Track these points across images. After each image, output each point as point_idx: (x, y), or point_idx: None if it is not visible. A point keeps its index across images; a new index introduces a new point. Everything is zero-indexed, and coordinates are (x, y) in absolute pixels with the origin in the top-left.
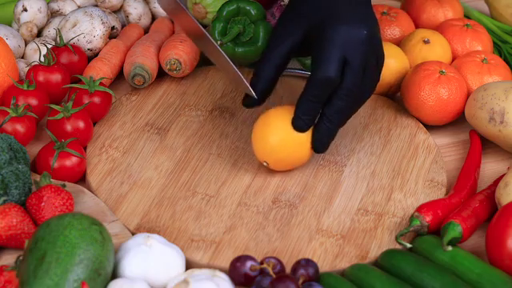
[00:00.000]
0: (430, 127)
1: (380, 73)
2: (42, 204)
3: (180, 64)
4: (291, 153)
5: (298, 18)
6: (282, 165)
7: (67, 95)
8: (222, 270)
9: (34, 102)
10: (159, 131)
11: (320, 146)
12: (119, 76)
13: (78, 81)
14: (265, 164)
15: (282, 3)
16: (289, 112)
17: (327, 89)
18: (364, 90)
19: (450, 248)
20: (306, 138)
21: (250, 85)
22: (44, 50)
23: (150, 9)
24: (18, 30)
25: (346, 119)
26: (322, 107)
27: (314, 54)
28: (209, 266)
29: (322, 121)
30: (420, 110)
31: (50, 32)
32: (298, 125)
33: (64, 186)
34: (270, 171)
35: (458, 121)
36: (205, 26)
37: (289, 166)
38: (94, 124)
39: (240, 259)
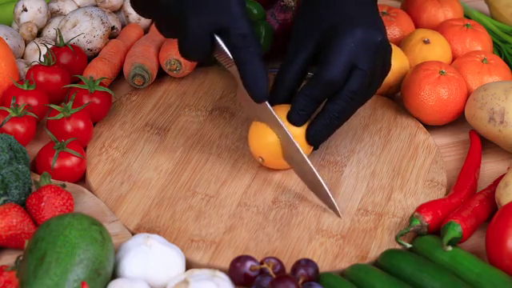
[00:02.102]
0: (430, 127)
1: (384, 79)
2: (42, 204)
3: (180, 64)
4: None
5: (312, 23)
6: (278, 162)
7: (67, 95)
8: (222, 270)
9: (33, 102)
10: (159, 131)
11: (314, 138)
12: (119, 76)
13: (78, 81)
14: (260, 160)
15: (282, 3)
16: (285, 109)
17: (328, 90)
18: (366, 94)
19: (449, 248)
20: (301, 134)
21: (271, 93)
22: (44, 50)
23: None
24: (18, 30)
25: (344, 120)
26: (318, 105)
27: (324, 54)
28: (209, 266)
29: (323, 116)
30: (420, 110)
31: (50, 32)
32: (293, 118)
33: (64, 186)
34: (270, 171)
35: (458, 121)
36: None
37: (285, 163)
38: (94, 124)
39: (240, 259)
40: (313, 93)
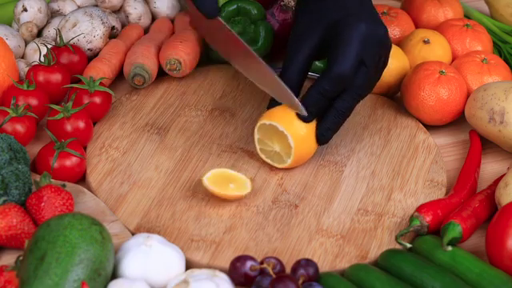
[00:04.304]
0: (430, 127)
1: (382, 72)
2: (42, 204)
3: (180, 64)
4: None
5: (314, 19)
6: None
7: (67, 95)
8: (222, 270)
9: (34, 102)
10: (159, 131)
11: (325, 136)
12: (119, 76)
13: (78, 81)
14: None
15: (282, 3)
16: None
17: (340, 85)
18: (369, 89)
19: (449, 248)
20: (308, 134)
21: None
22: (44, 50)
23: (150, 9)
24: (18, 30)
25: (349, 116)
26: (328, 102)
27: (332, 50)
28: (209, 266)
29: (331, 114)
30: (420, 109)
31: (50, 32)
32: (304, 115)
33: (64, 185)
34: (270, 171)
35: (458, 121)
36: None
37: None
38: (94, 124)
39: (240, 259)
40: (324, 88)
